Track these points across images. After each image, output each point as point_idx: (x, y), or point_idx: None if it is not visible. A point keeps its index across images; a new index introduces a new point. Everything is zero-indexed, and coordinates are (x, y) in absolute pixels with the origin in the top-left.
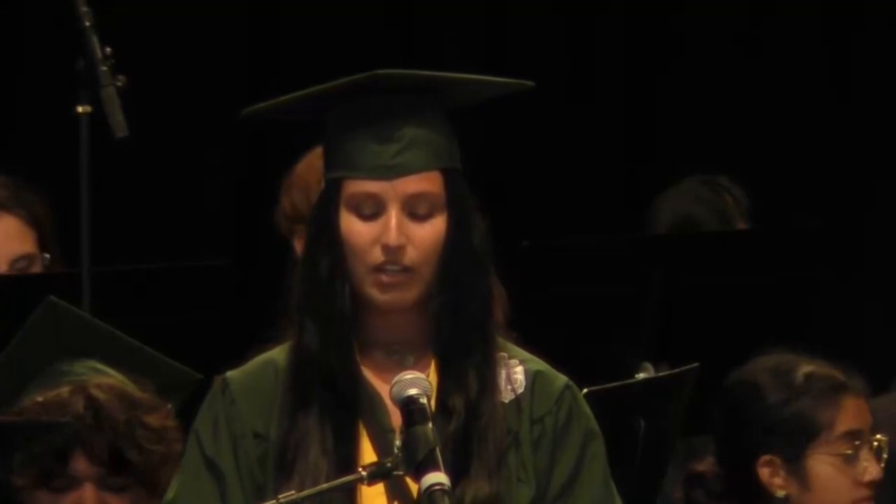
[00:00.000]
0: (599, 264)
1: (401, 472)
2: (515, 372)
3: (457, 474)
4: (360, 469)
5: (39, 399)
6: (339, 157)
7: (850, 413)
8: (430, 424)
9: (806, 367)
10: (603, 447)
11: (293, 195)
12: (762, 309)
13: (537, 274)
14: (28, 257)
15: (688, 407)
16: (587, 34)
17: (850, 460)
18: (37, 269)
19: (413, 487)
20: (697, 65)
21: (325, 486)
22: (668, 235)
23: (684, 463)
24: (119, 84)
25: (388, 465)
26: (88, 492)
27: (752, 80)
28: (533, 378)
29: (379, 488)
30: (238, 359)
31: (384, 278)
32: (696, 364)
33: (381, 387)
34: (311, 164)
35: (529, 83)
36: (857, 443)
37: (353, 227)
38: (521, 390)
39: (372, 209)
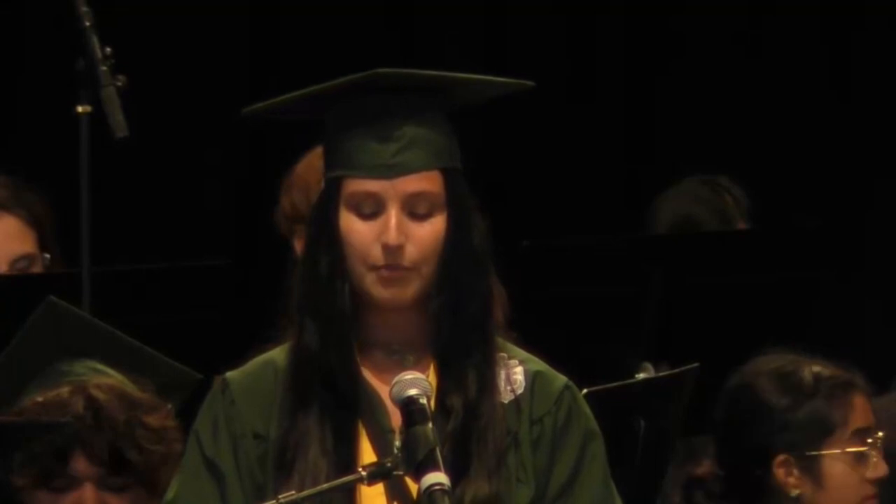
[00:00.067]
0: (599, 264)
1: (401, 472)
2: (515, 372)
3: (456, 474)
4: (360, 469)
5: (39, 399)
6: (339, 156)
7: (860, 411)
8: (430, 424)
9: (812, 367)
10: (603, 447)
11: (293, 195)
12: (762, 309)
13: (537, 274)
14: (28, 257)
15: (688, 407)
16: (587, 34)
17: (861, 458)
18: (37, 269)
19: (413, 487)
20: (697, 65)
21: (325, 486)
22: (668, 235)
23: (683, 464)
24: (119, 84)
25: (388, 465)
26: (88, 492)
27: (752, 80)
28: (532, 378)
29: (379, 488)
30: (238, 359)
31: (385, 273)
32: (696, 364)
33: (381, 387)
34: (311, 164)
35: (530, 83)
36: (869, 440)
37: (353, 227)
38: (520, 391)
39: (372, 208)
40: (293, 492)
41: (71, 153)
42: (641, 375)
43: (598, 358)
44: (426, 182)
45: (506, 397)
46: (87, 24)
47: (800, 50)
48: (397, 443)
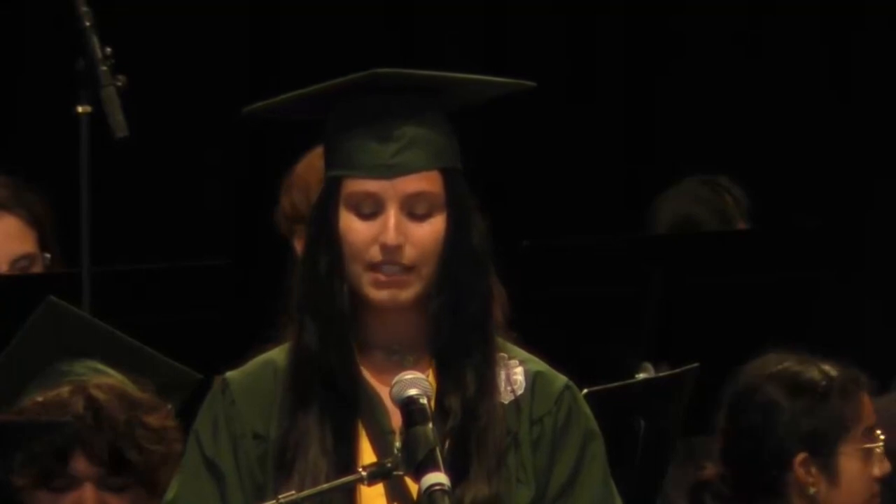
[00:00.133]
0: (599, 264)
1: (401, 473)
2: (515, 373)
3: (456, 475)
4: (360, 469)
5: (39, 399)
6: (339, 155)
7: (868, 409)
8: (430, 425)
9: (819, 367)
10: (603, 447)
11: (293, 195)
12: (762, 309)
13: (537, 274)
14: (28, 257)
15: (688, 407)
16: (587, 34)
17: (870, 455)
18: (37, 269)
19: (413, 488)
20: (697, 65)
21: (325, 486)
22: (668, 235)
23: (685, 466)
24: (119, 84)
25: (388, 465)
26: (88, 492)
27: (752, 80)
28: (532, 379)
29: (379, 488)
30: (238, 359)
31: (381, 276)
32: (696, 364)
33: (381, 387)
34: (311, 164)
35: (530, 83)
36: (880, 437)
37: (352, 226)
38: (520, 391)
39: (371, 208)
40: (293, 492)
41: (71, 153)
42: (641, 375)
43: (598, 358)
44: (426, 182)
45: (506, 398)
46: (87, 24)
47: (800, 50)
48: (397, 443)
